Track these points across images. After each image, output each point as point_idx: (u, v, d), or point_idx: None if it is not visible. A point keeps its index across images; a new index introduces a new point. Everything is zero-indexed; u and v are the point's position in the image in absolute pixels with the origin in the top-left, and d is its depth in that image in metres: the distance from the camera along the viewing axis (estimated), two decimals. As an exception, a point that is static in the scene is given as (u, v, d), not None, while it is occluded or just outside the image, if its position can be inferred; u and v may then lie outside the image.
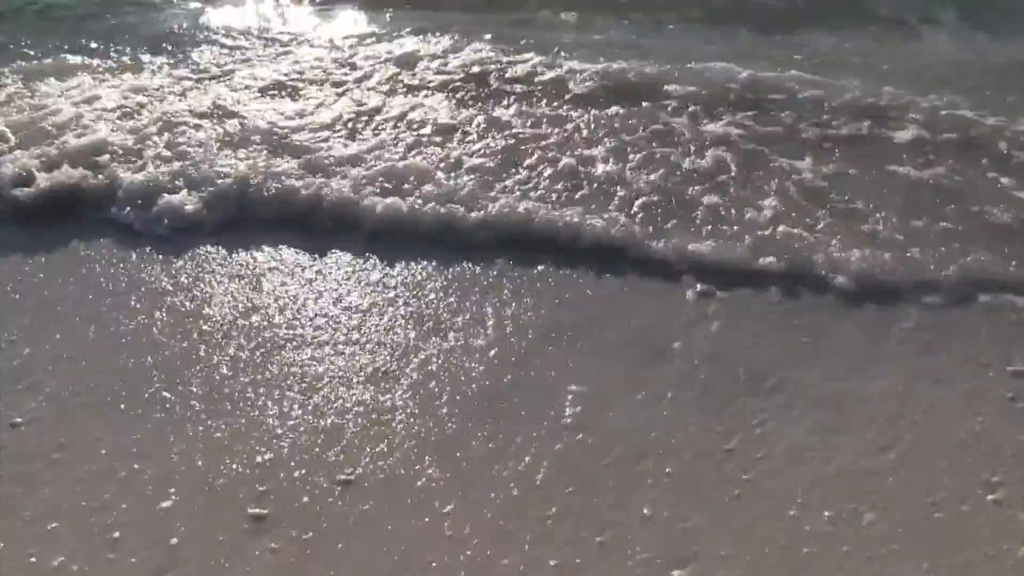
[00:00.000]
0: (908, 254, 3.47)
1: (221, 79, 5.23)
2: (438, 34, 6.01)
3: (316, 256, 3.57)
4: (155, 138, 4.40)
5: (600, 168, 4.15)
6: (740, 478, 2.47)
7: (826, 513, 2.35)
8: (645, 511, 2.37)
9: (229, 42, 5.88)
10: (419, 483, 2.48)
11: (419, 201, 3.82)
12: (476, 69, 5.36)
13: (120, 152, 4.25)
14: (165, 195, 3.87)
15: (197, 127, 4.54)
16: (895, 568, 2.20)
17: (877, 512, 2.35)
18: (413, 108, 4.79)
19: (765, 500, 2.40)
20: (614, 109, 4.81)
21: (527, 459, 2.55)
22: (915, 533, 2.29)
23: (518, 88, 5.12)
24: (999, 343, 2.99)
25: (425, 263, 3.51)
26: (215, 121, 4.63)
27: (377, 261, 3.53)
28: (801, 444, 2.59)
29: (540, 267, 3.45)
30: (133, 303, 3.28)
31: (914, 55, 5.82)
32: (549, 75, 5.26)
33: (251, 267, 3.51)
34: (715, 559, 2.24)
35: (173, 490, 2.47)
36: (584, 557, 2.25)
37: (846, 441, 2.60)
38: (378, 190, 3.93)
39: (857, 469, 2.50)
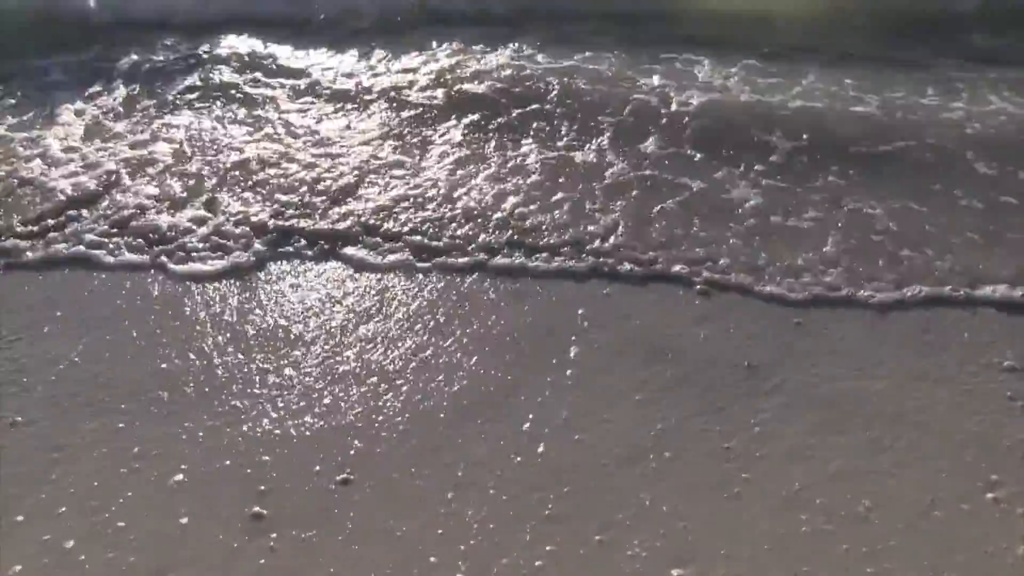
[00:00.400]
0: (903, 252, 3.47)
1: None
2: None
3: (312, 261, 3.57)
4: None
5: (584, 164, 4.18)
6: (740, 477, 2.47)
7: (826, 512, 2.35)
8: (645, 510, 2.37)
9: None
10: (418, 483, 2.48)
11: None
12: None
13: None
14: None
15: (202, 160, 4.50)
16: (895, 566, 2.20)
17: (877, 511, 2.35)
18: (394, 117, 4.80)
19: (765, 499, 2.40)
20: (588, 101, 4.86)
21: (526, 459, 2.55)
22: (915, 532, 2.29)
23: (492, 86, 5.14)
24: (999, 343, 2.99)
25: (423, 265, 3.51)
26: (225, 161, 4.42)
27: (373, 264, 3.53)
28: (801, 444, 2.58)
29: (539, 268, 3.46)
30: (133, 305, 3.29)
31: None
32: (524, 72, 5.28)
33: (252, 271, 3.52)
34: (715, 557, 2.23)
35: (173, 489, 2.47)
36: (584, 555, 2.25)
37: (846, 441, 2.59)
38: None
39: (857, 468, 2.49)
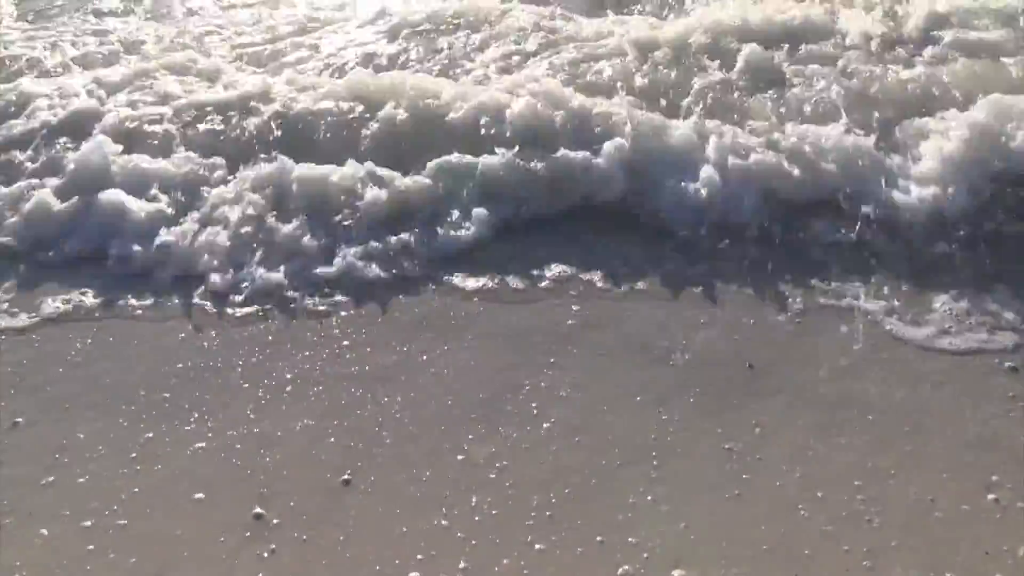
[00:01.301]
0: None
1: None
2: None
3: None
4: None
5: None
6: (740, 477, 2.47)
7: (826, 512, 2.35)
8: (646, 510, 2.37)
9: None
10: (418, 483, 2.48)
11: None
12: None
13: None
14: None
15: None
16: (895, 566, 2.20)
17: (877, 511, 2.34)
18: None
19: (765, 499, 2.40)
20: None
21: (526, 460, 2.55)
22: (915, 532, 2.29)
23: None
24: (999, 343, 2.99)
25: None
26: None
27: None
28: (801, 444, 2.58)
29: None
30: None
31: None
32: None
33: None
34: (715, 558, 2.23)
35: (173, 490, 2.47)
36: (584, 556, 2.25)
37: (846, 441, 2.59)
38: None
39: (857, 469, 2.49)
